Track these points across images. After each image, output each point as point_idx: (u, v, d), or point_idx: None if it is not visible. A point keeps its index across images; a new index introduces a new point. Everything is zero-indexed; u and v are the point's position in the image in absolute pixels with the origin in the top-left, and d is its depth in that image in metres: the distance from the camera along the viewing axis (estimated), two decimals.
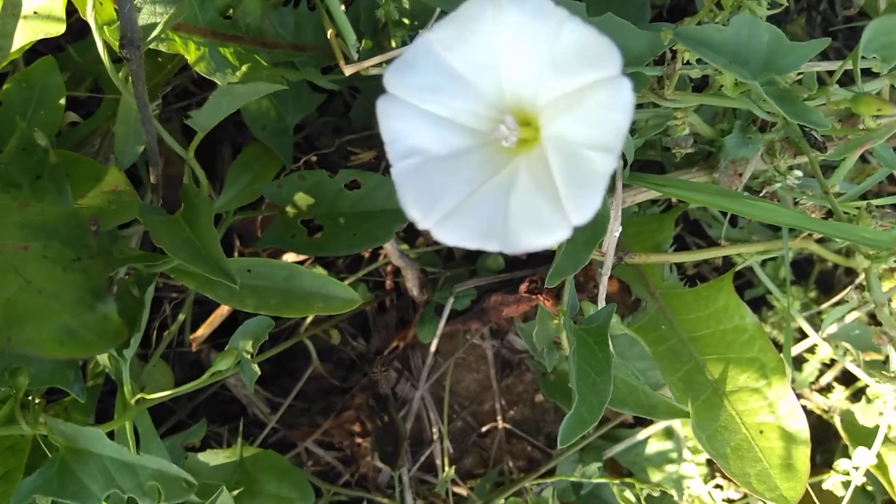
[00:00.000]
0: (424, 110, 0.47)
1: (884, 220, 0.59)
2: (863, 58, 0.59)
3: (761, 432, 0.69)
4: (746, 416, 0.71)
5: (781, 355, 0.75)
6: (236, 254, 1.00)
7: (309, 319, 1.05)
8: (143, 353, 1.00)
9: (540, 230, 0.43)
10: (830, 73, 0.67)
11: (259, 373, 0.73)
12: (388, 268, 1.11)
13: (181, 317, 0.95)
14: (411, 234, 1.13)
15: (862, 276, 1.14)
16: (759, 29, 0.55)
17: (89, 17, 0.56)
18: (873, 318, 1.19)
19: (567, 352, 0.72)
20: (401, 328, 1.10)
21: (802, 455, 0.67)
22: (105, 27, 0.57)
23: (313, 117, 1.03)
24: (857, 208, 0.79)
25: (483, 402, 1.18)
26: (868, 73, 0.66)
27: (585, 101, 0.42)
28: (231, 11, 0.79)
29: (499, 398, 1.16)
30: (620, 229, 0.76)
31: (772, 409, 0.70)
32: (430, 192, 0.47)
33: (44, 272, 0.47)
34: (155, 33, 0.56)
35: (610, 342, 0.69)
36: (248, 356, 0.73)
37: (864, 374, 0.99)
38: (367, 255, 1.11)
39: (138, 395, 0.66)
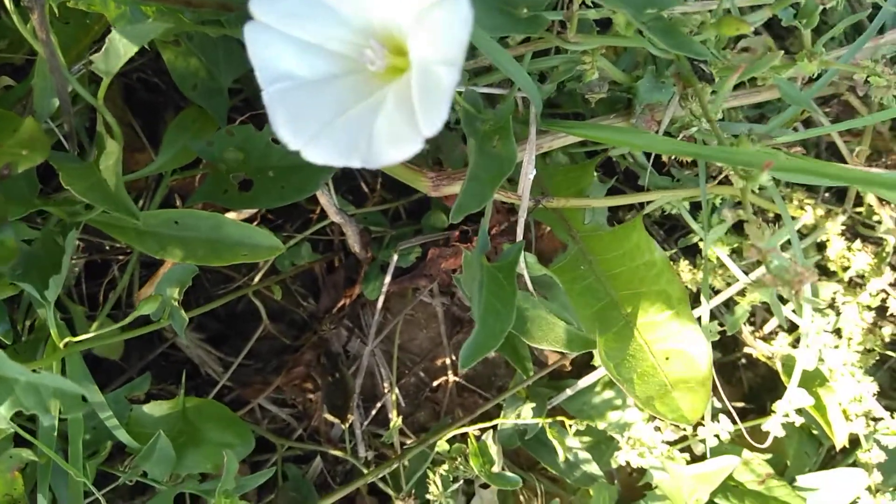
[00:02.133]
0: (292, 36, 0.50)
1: (761, 143, 0.62)
2: None
3: (667, 359, 0.72)
4: (653, 345, 0.74)
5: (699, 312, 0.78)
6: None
7: (256, 279, 1.08)
8: (92, 314, 1.03)
9: (396, 144, 0.46)
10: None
11: (186, 319, 0.76)
12: (337, 228, 1.14)
13: (126, 276, 0.98)
14: (358, 196, 1.16)
15: (800, 221, 1.17)
16: None
17: None
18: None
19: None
20: (349, 287, 1.13)
21: (703, 378, 0.70)
22: None
23: (250, 77, 1.05)
24: (771, 146, 0.82)
25: (435, 359, 1.21)
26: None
27: (431, 19, 0.45)
28: None
29: (450, 353, 1.19)
30: (535, 172, 0.79)
31: (676, 337, 0.73)
32: (299, 115, 0.49)
33: None
34: None
35: (528, 290, 0.72)
36: (176, 303, 0.76)
37: (791, 312, 1.02)
38: (314, 216, 1.14)
39: (66, 339, 0.69)
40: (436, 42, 0.45)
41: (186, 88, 0.89)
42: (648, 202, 0.86)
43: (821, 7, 0.66)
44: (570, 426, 0.91)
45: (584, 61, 0.77)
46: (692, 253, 1.18)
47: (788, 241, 0.99)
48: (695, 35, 0.66)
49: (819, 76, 0.81)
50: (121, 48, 0.58)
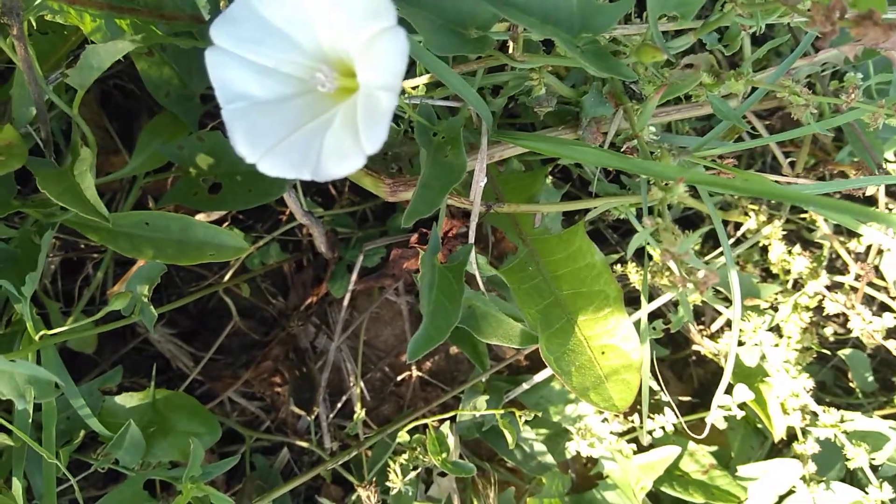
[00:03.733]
0: (248, 60, 0.55)
1: (682, 156, 0.68)
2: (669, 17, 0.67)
3: (603, 353, 0.78)
4: (591, 340, 0.80)
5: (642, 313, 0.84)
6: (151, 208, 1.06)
7: (227, 277, 1.13)
8: (67, 310, 1.07)
9: (341, 158, 0.51)
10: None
11: (156, 315, 0.81)
12: (305, 229, 1.19)
13: (99, 274, 1.02)
14: (327, 199, 1.21)
15: (745, 226, 1.24)
16: None
17: None
18: (762, 269, 1.29)
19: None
20: (317, 285, 1.18)
21: (633, 371, 0.77)
22: None
23: None
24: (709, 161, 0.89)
25: (400, 355, 1.26)
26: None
27: (374, 48, 0.50)
28: None
29: None
30: (486, 179, 0.84)
31: (612, 334, 0.79)
32: (255, 132, 0.54)
33: None
34: (35, 3, 0.63)
35: (477, 288, 0.78)
36: (146, 299, 0.81)
37: (733, 315, 1.08)
38: (284, 218, 1.18)
39: (42, 332, 0.74)
40: (377, 69, 0.50)
41: (159, 96, 0.93)
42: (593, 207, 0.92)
43: (742, 33, 0.72)
44: (521, 417, 0.97)
45: (532, 78, 0.83)
46: (641, 253, 1.25)
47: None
48: (628, 57, 0.72)
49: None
50: (94, 63, 0.63)
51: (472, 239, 0.84)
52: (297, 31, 0.54)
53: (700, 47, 0.78)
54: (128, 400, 0.94)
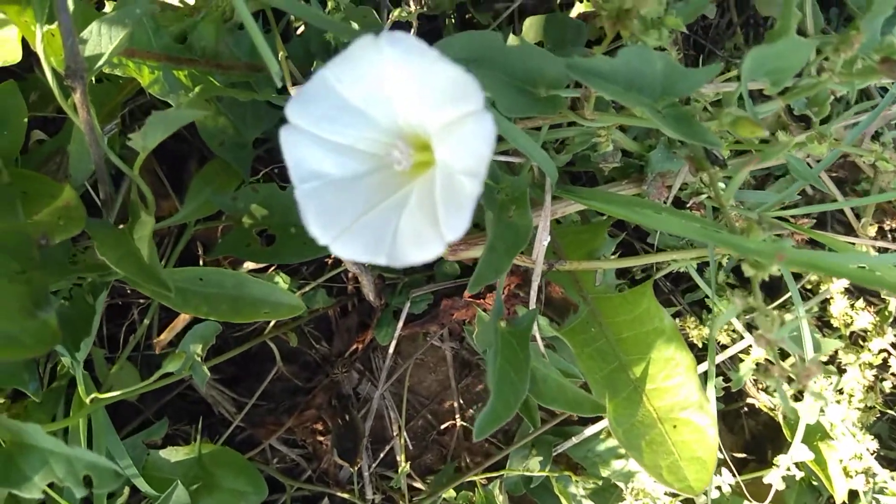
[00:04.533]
0: (323, 138, 0.53)
1: (772, 231, 0.64)
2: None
3: (675, 427, 0.74)
4: (661, 412, 0.76)
5: (705, 368, 0.80)
6: (201, 262, 1.05)
7: (272, 324, 1.11)
8: (112, 356, 1.05)
9: (419, 245, 0.49)
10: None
11: (208, 375, 0.78)
12: (350, 274, 1.16)
13: (146, 321, 1.00)
14: None
15: (805, 279, 1.19)
16: (651, 58, 0.60)
17: (38, 49, 0.62)
18: (819, 321, 1.25)
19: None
20: (362, 331, 1.15)
21: (710, 448, 0.72)
22: (54, 59, 0.63)
23: (275, 130, 1.08)
24: (776, 218, 0.85)
25: (443, 402, 1.23)
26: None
27: (457, 131, 0.48)
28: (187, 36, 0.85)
29: (457, 397, 1.21)
30: (549, 238, 0.81)
31: (684, 406, 0.75)
32: (328, 212, 0.52)
33: None
34: (99, 65, 0.61)
35: (535, 349, 0.74)
36: (199, 358, 0.79)
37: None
38: (329, 261, 1.16)
39: (93, 395, 0.72)
40: (460, 153, 0.48)
41: (214, 145, 0.92)
42: (659, 264, 0.88)
43: (831, 97, 0.69)
44: (577, 481, 0.93)
45: (600, 134, 0.80)
46: (698, 304, 1.20)
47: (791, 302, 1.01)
48: (708, 120, 0.69)
49: None
50: (160, 129, 0.61)
51: (533, 301, 0.81)
52: (374, 108, 0.52)
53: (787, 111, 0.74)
54: (173, 454, 0.91)
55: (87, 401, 0.71)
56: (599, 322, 0.84)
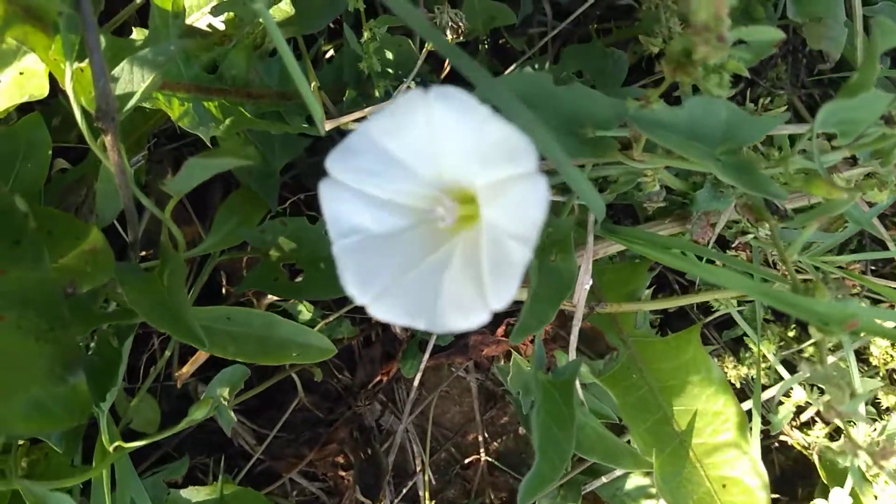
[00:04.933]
0: (364, 192, 0.49)
1: (840, 291, 0.61)
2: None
3: (724, 486, 0.71)
4: (710, 469, 0.72)
5: (745, 408, 0.76)
6: (223, 291, 1.02)
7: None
8: (131, 387, 1.02)
9: (462, 313, 0.45)
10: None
11: (234, 419, 0.75)
12: None
13: (167, 353, 0.97)
14: None
15: None
16: (715, 107, 0.57)
17: (68, 89, 0.59)
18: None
19: None
20: (386, 361, 1.12)
21: None
22: (84, 97, 0.60)
23: (302, 157, 1.05)
24: (835, 268, 0.81)
25: (467, 434, 1.19)
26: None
27: (508, 192, 0.44)
28: (217, 66, 0.82)
29: (482, 430, 1.18)
30: (591, 282, 0.78)
31: (734, 464, 0.71)
32: (367, 270, 0.49)
33: (17, 343, 0.49)
34: (129, 105, 0.58)
35: (575, 397, 0.71)
36: (225, 402, 0.76)
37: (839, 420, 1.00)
38: None
39: (116, 444, 0.69)
40: (510, 217, 0.45)
41: (242, 175, 0.89)
42: (698, 305, 0.85)
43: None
44: None
45: (646, 174, 0.76)
46: (736, 341, 1.17)
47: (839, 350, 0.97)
48: (769, 168, 0.65)
49: None
50: (196, 175, 0.58)
51: (573, 347, 0.78)
52: (419, 162, 0.49)
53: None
54: (194, 494, 0.88)
55: (111, 449, 0.68)
56: (640, 368, 0.80)
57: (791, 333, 1.16)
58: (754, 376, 1.10)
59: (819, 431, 1.18)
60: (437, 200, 0.50)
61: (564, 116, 0.68)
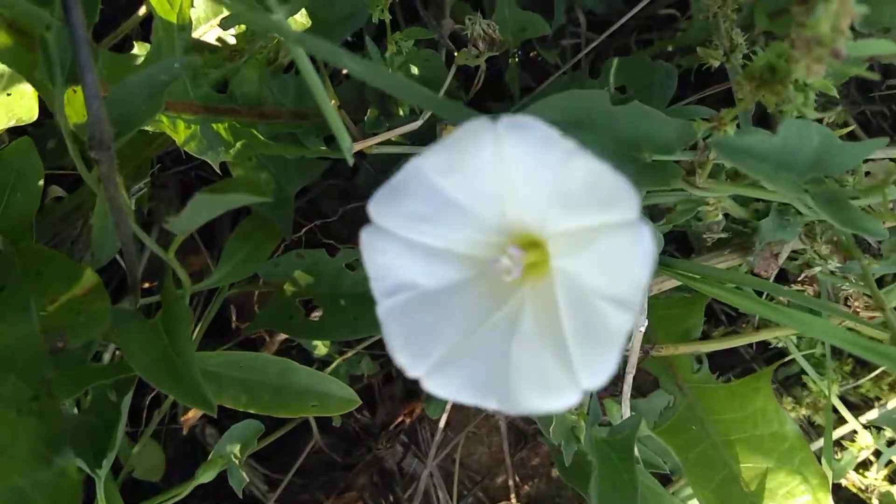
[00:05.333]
0: (415, 241, 0.41)
1: None
2: None
3: None
4: None
5: (823, 466, 0.68)
6: (233, 325, 0.94)
7: None
8: (134, 430, 0.94)
9: (545, 391, 0.37)
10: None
11: (246, 480, 0.67)
12: None
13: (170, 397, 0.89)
14: None
15: None
16: (809, 132, 0.49)
17: (58, 116, 0.51)
18: None
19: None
20: (408, 400, 1.04)
21: None
22: (76, 123, 0.52)
23: (318, 180, 0.98)
24: None
25: (495, 477, 1.11)
26: None
27: (598, 244, 0.36)
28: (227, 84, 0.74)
29: (512, 473, 1.09)
30: (647, 323, 0.69)
31: None
32: (420, 335, 0.41)
33: None
34: (129, 135, 0.50)
35: (635, 458, 0.62)
36: (236, 461, 0.68)
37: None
38: None
39: None
40: (603, 272, 0.36)
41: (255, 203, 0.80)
42: (769, 355, 0.76)
43: None
44: None
45: (708, 202, 0.68)
46: (790, 377, 1.07)
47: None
48: (858, 199, 0.57)
49: None
50: (203, 213, 0.50)
51: (627, 398, 0.69)
52: (482, 205, 0.41)
53: None
54: None
55: None
56: (701, 419, 0.72)
57: (847, 367, 1.08)
58: (813, 416, 1.01)
59: (877, 473, 1.09)
60: (501, 248, 0.42)
61: (620, 140, 0.60)
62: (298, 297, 0.79)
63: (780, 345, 0.89)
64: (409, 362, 0.41)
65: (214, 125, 0.72)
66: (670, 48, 0.94)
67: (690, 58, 0.88)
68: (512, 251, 0.42)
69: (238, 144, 0.71)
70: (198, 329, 0.89)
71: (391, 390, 1.05)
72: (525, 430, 1.11)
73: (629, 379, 0.69)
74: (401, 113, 0.82)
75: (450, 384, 0.40)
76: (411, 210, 0.41)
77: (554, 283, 0.40)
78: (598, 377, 0.36)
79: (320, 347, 0.99)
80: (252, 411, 0.69)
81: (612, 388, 0.75)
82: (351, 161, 0.48)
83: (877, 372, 1.06)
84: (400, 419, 1.02)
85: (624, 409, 0.67)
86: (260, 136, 0.73)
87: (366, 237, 0.42)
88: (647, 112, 0.58)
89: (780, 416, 0.68)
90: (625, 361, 0.70)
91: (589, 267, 0.38)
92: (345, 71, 0.94)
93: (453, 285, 0.43)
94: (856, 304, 0.78)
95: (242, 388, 0.69)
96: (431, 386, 0.41)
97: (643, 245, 0.35)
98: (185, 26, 0.69)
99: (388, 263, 0.42)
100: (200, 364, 0.69)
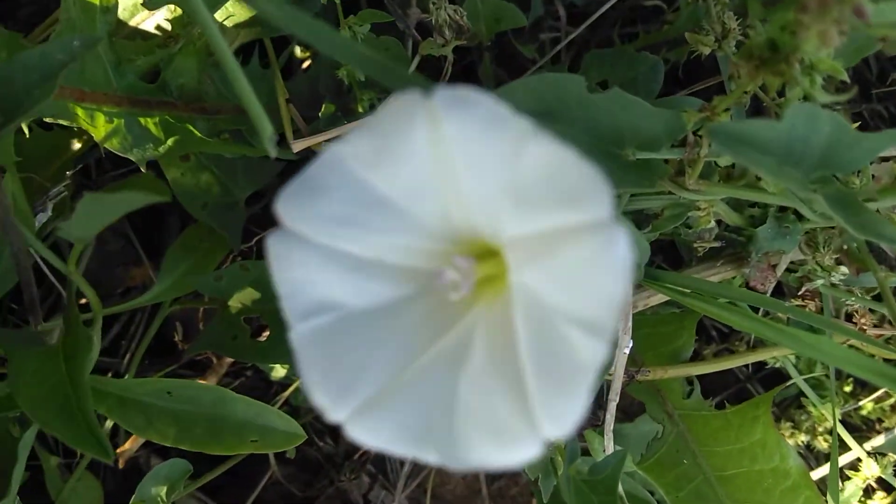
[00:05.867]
0: (337, 250, 0.33)
1: None
2: None
3: None
4: None
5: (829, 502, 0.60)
6: (180, 346, 0.85)
7: None
8: (69, 462, 0.85)
9: (499, 442, 0.30)
10: None
11: None
12: None
13: (108, 423, 0.80)
14: None
15: None
16: (820, 120, 0.41)
17: None
18: None
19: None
20: None
21: None
22: None
23: (274, 184, 0.89)
24: None
25: None
26: None
27: (562, 251, 0.29)
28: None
29: None
30: (631, 343, 0.61)
31: None
32: (344, 369, 0.33)
33: None
34: (8, 127, 0.42)
35: (619, 497, 0.54)
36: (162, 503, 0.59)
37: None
38: None
39: None
40: (568, 288, 0.29)
41: (194, 209, 0.72)
42: (765, 375, 0.68)
43: None
44: None
45: (699, 207, 0.60)
46: (787, 399, 1.00)
47: None
48: (872, 200, 0.49)
49: None
50: (99, 217, 0.42)
51: (609, 427, 0.61)
52: (416, 202, 0.33)
53: None
54: None
55: None
56: (693, 451, 0.64)
57: (847, 388, 1.00)
58: (812, 441, 0.93)
59: (880, 502, 1.02)
60: (446, 258, 0.34)
61: (599, 133, 0.53)
62: (244, 314, 0.71)
63: (777, 364, 0.81)
64: (328, 402, 0.33)
65: (143, 119, 0.64)
66: (656, 41, 0.87)
67: (678, 51, 0.81)
68: (459, 261, 0.34)
69: (169, 141, 0.62)
70: (138, 350, 0.81)
71: None
72: None
73: (612, 407, 0.61)
74: (360, 109, 0.74)
75: (379, 432, 0.32)
76: (331, 211, 0.33)
77: (513, 301, 0.32)
78: (562, 424, 0.28)
79: (278, 369, 0.90)
80: (183, 447, 0.61)
81: (594, 418, 0.66)
82: (273, 153, 0.40)
83: (878, 393, 0.99)
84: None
85: (606, 442, 0.59)
86: (197, 133, 0.65)
87: (274, 245, 0.33)
88: (631, 101, 0.50)
89: (782, 449, 0.60)
90: (607, 388, 0.62)
91: (552, 281, 0.30)
92: (305, 65, 0.86)
93: (386, 305, 0.35)
94: (862, 320, 0.70)
95: (172, 420, 0.61)
96: (356, 433, 0.33)
97: (617, 252, 0.27)
98: (110, 8, 0.61)
99: (304, 278, 0.34)
100: (125, 393, 0.61)
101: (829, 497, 0.67)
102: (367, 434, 0.32)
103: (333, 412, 0.33)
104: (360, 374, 0.33)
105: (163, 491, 0.58)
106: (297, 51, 0.85)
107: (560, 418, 0.28)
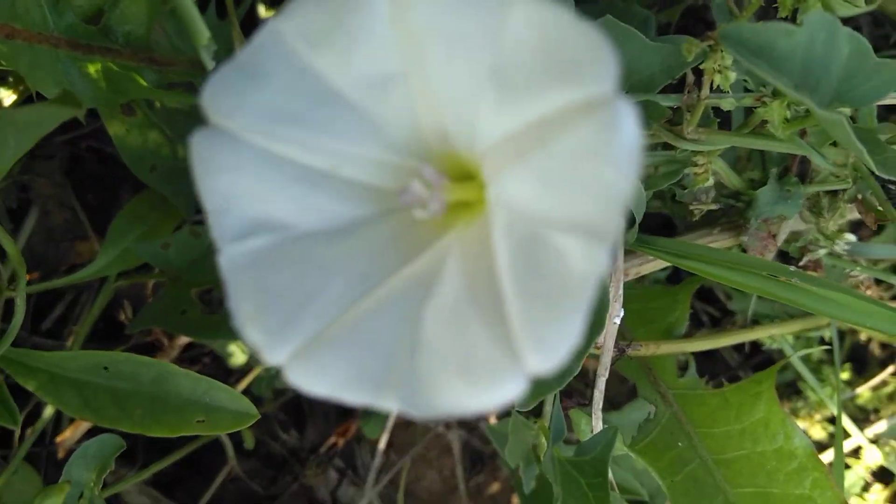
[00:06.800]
0: (279, 155, 0.27)
1: None
2: None
3: None
4: None
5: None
6: (126, 324, 0.78)
7: None
8: (5, 453, 0.78)
9: (472, 379, 0.24)
10: None
11: None
12: None
13: (48, 411, 0.73)
14: None
15: None
16: (839, 36, 0.36)
17: None
18: None
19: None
20: (342, 417, 0.89)
21: None
22: None
23: None
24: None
25: None
26: None
27: (555, 143, 0.23)
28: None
29: (467, 501, 0.95)
30: (622, 313, 0.56)
31: None
32: (284, 301, 0.27)
33: None
34: None
35: (609, 484, 0.48)
36: (95, 489, 0.52)
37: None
38: None
39: None
40: (562, 186, 0.23)
41: (142, 171, 0.66)
42: (758, 362, 0.63)
43: None
44: None
45: (697, 163, 0.55)
46: (781, 385, 0.95)
47: None
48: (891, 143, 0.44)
49: None
50: (11, 143, 0.35)
51: (598, 405, 0.55)
52: (375, 97, 0.27)
53: None
54: None
55: None
56: (688, 434, 0.58)
57: (844, 375, 0.96)
58: (810, 429, 0.89)
59: (878, 495, 0.97)
60: (412, 171, 0.28)
61: None
62: (195, 286, 0.64)
63: (774, 346, 0.76)
64: (265, 340, 0.27)
65: (85, 65, 0.57)
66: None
67: (669, 11, 0.76)
68: (427, 171, 0.28)
69: (110, 87, 0.56)
70: (82, 328, 0.74)
71: (323, 406, 0.89)
72: (482, 451, 0.97)
73: (601, 383, 0.56)
74: None
75: (328, 375, 0.26)
76: (268, 102, 0.27)
77: (491, 223, 0.26)
78: (551, 352, 0.22)
79: (238, 354, 0.83)
80: (122, 429, 0.54)
81: (580, 397, 0.61)
82: (210, 65, 0.34)
83: (875, 381, 0.95)
84: (333, 440, 0.87)
85: (594, 422, 0.54)
86: (143, 83, 0.59)
87: (199, 145, 0.28)
88: (625, 31, 0.45)
89: (787, 428, 0.54)
90: (596, 363, 0.57)
91: (539, 183, 0.24)
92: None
93: (339, 228, 0.29)
94: (867, 292, 0.66)
95: (110, 399, 0.54)
96: (299, 378, 0.27)
97: (623, 134, 0.22)
98: None
99: (237, 188, 0.28)
100: (57, 369, 0.55)
101: (833, 482, 0.61)
102: (313, 378, 0.26)
103: (271, 352, 0.27)
104: (305, 306, 0.27)
105: (94, 475, 0.51)
106: (262, 10, 0.80)
107: (548, 345, 0.22)
